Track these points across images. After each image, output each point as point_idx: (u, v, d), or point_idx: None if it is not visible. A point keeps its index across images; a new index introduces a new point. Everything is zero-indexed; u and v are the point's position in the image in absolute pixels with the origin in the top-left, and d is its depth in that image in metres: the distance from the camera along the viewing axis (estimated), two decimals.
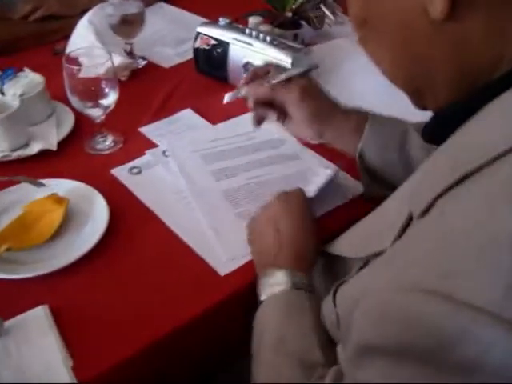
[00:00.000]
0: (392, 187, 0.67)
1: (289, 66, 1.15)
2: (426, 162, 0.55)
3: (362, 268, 0.60)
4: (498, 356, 0.36)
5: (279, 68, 0.96)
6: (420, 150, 0.83)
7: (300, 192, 0.84)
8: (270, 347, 0.67)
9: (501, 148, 0.42)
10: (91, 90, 1.01)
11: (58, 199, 0.89)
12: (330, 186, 0.94)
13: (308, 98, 0.90)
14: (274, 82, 0.91)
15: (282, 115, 0.94)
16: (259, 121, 0.96)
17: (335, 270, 0.76)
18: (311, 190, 0.90)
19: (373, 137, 0.87)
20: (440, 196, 0.45)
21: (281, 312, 0.70)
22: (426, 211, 0.47)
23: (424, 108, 0.58)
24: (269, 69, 0.94)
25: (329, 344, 0.65)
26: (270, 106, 0.93)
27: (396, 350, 0.41)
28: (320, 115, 0.90)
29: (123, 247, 0.86)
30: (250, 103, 0.93)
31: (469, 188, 0.43)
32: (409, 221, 0.52)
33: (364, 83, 1.27)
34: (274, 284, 0.72)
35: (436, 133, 0.55)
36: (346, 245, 0.70)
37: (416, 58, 0.52)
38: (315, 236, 0.80)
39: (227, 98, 0.94)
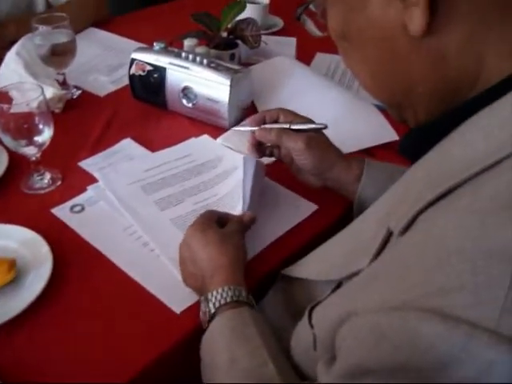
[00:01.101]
0: None
1: (228, 88, 1.13)
2: (401, 180, 0.56)
3: (336, 288, 0.59)
4: (499, 376, 0.36)
5: (291, 114, 0.96)
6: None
7: (205, 218, 0.83)
8: (223, 369, 0.66)
9: (483, 163, 0.42)
10: (24, 127, 0.96)
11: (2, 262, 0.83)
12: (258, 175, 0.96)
13: (313, 149, 0.90)
14: (294, 127, 0.92)
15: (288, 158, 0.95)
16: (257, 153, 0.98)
17: (299, 293, 0.74)
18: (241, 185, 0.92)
19: (370, 183, 0.89)
20: (421, 212, 0.45)
21: (227, 333, 0.69)
22: (407, 228, 0.47)
23: (404, 121, 0.58)
24: (278, 114, 0.95)
25: (279, 354, 0.66)
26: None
27: (391, 371, 0.40)
28: (323, 166, 0.91)
29: (71, 294, 0.81)
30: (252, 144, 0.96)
31: (453, 203, 0.43)
32: (387, 238, 0.51)
33: (303, 101, 1.27)
34: (210, 308, 0.72)
35: (413, 148, 0.56)
36: (314, 268, 0.69)
37: (395, 74, 0.53)
38: (233, 244, 0.79)
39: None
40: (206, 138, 1.15)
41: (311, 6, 0.59)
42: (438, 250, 0.41)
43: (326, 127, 0.92)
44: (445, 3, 0.45)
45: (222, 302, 0.71)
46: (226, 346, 0.67)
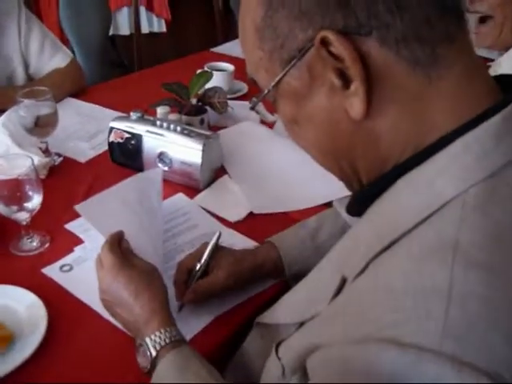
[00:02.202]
0: None
1: (200, 153, 1.25)
2: (351, 233, 0.66)
3: (299, 327, 0.68)
4: None
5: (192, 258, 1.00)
6: (332, 238, 0.97)
7: (111, 265, 0.88)
8: None
9: (413, 220, 0.52)
10: (16, 195, 1.05)
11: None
12: None
13: (234, 279, 0.98)
14: (202, 262, 0.97)
15: None
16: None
17: (270, 335, 0.83)
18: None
19: (288, 259, 1.01)
20: (371, 261, 0.55)
21: (175, 373, 0.76)
22: (359, 274, 0.56)
23: (351, 188, 0.68)
24: (186, 266, 0.99)
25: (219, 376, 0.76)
26: None
27: None
28: (253, 273, 1.01)
29: (65, 346, 0.89)
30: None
31: (395, 251, 0.53)
32: (342, 284, 0.60)
33: (268, 161, 1.39)
34: (152, 351, 0.79)
35: (357, 206, 0.66)
36: (282, 313, 0.77)
37: (341, 151, 0.62)
38: (158, 285, 0.87)
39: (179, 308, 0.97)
40: (180, 196, 1.26)
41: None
42: (386, 290, 0.50)
43: (220, 234, 0.99)
44: (379, 92, 0.55)
45: (163, 343, 0.79)
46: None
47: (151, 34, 3.87)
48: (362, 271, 0.56)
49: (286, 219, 1.19)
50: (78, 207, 1.02)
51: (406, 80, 0.55)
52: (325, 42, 0.53)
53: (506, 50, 1.30)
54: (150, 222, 1.04)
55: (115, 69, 3.40)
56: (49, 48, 1.72)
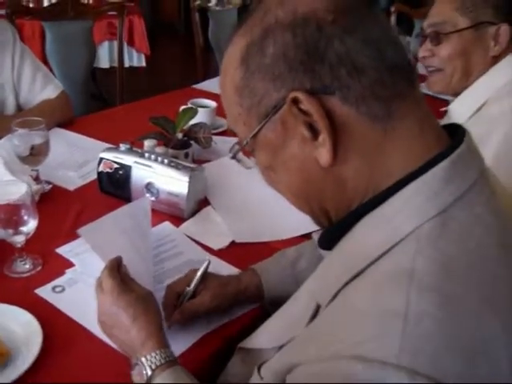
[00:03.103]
0: None
1: (186, 184, 1.32)
2: (323, 265, 0.74)
3: (278, 350, 0.75)
4: None
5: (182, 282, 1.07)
6: (310, 267, 1.03)
7: (108, 291, 0.93)
8: None
9: (376, 253, 0.61)
10: (13, 219, 1.11)
11: None
12: None
13: (218, 302, 1.06)
14: (192, 287, 1.04)
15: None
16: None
17: (251, 359, 0.90)
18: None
19: (269, 285, 1.09)
20: (340, 290, 0.63)
21: None
22: (330, 301, 0.64)
23: (321, 225, 0.76)
24: (176, 290, 1.06)
25: None
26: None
27: None
28: (236, 297, 1.08)
29: (58, 363, 0.95)
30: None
31: (361, 280, 0.61)
32: (316, 311, 0.68)
33: (249, 194, 1.47)
34: (147, 371, 0.85)
35: (328, 241, 0.73)
36: (264, 339, 0.85)
37: (311, 194, 0.70)
38: (154, 309, 0.93)
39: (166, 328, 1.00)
40: (167, 224, 1.33)
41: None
42: (352, 314, 0.58)
43: (209, 262, 1.06)
44: (343, 143, 0.63)
45: (158, 363, 0.85)
46: None
47: (130, 68, 3.96)
48: (333, 299, 0.64)
49: (266, 248, 1.26)
50: (81, 231, 1.08)
51: (365, 132, 0.64)
52: (295, 100, 0.62)
53: (455, 95, 1.42)
54: (143, 248, 1.11)
55: (94, 101, 3.48)
56: (40, 80, 1.79)
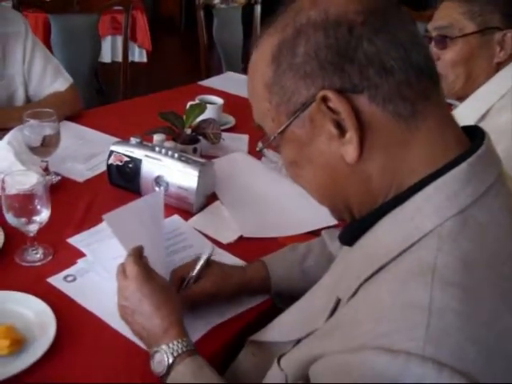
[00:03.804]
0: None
1: (196, 178, 1.34)
2: (342, 261, 0.77)
3: (296, 344, 0.77)
4: None
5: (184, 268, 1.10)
6: (318, 265, 1.09)
7: (134, 277, 0.96)
8: None
9: (398, 249, 0.63)
10: (27, 208, 1.12)
11: (13, 335, 0.94)
12: None
13: (218, 289, 1.08)
14: (194, 273, 1.06)
15: None
16: None
17: (263, 352, 0.92)
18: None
19: (276, 279, 1.11)
20: (362, 284, 0.65)
21: (190, 377, 0.86)
22: (352, 296, 0.66)
23: (342, 220, 0.78)
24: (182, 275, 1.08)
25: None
26: None
27: None
28: (240, 287, 1.10)
29: (72, 350, 0.96)
30: None
31: (383, 275, 0.63)
32: (337, 304, 0.70)
33: (255, 189, 1.49)
34: (160, 363, 0.88)
35: (349, 237, 0.76)
36: (277, 333, 0.87)
37: (335, 189, 0.72)
38: (176, 300, 0.96)
39: None
40: (176, 218, 1.35)
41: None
42: (376, 307, 0.60)
43: (213, 249, 1.09)
44: (369, 140, 0.66)
45: (180, 351, 0.88)
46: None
47: (131, 63, 3.97)
48: (355, 293, 0.66)
49: (274, 243, 1.28)
50: (105, 217, 1.09)
51: (391, 130, 0.66)
52: (324, 99, 0.65)
53: (459, 99, 1.42)
54: (157, 240, 1.12)
55: (97, 95, 3.49)
56: (51, 73, 1.80)
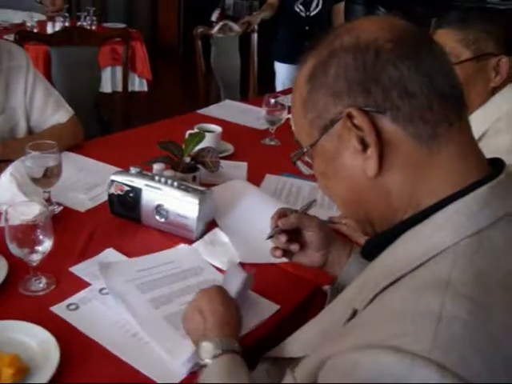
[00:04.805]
0: None
1: (196, 206, 1.37)
2: (363, 273, 0.80)
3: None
4: None
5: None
6: None
7: (215, 286, 1.06)
8: None
9: (418, 261, 0.67)
10: (29, 238, 1.14)
11: (17, 364, 0.95)
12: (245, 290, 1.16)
13: (322, 229, 1.16)
14: (300, 211, 1.17)
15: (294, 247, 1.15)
16: (282, 254, 1.17)
17: (279, 368, 0.93)
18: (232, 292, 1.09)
19: (355, 261, 1.13)
20: (377, 294, 0.68)
21: (222, 374, 0.89)
22: (367, 305, 0.69)
23: (366, 233, 0.83)
24: (286, 210, 1.18)
25: None
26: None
27: None
28: (328, 242, 1.15)
29: (75, 378, 0.98)
30: (282, 238, 1.14)
31: (399, 286, 0.67)
32: (353, 315, 0.73)
33: (255, 217, 1.51)
34: (207, 352, 0.92)
35: (370, 251, 0.80)
36: (295, 348, 0.89)
37: (358, 202, 0.77)
38: (233, 307, 1.02)
39: (268, 236, 1.16)
40: (184, 246, 1.38)
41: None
42: (389, 312, 0.64)
43: (315, 201, 1.20)
44: (389, 157, 0.71)
45: (229, 348, 0.92)
46: (227, 378, 0.89)
47: (132, 93, 4.02)
48: (370, 302, 0.70)
49: (273, 268, 1.31)
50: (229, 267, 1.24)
51: (410, 150, 0.71)
52: (350, 116, 0.71)
53: None
54: None
55: (98, 125, 3.53)
56: (52, 105, 1.84)
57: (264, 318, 1.16)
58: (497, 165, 0.74)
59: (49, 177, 1.45)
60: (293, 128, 0.83)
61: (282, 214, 1.16)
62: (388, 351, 0.58)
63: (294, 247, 1.14)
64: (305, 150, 0.80)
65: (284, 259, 1.34)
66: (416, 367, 0.56)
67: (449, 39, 1.39)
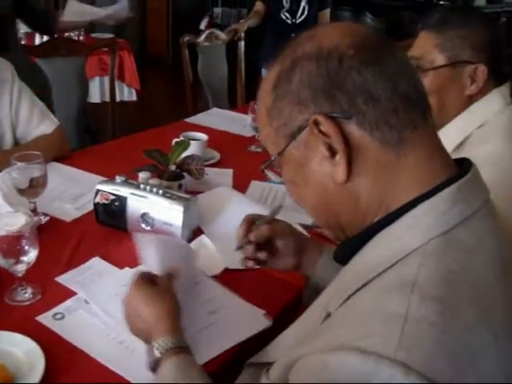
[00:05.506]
0: None
1: (181, 213, 1.38)
2: (337, 278, 0.81)
3: None
4: None
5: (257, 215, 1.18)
6: None
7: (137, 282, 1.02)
8: None
9: (386, 265, 0.68)
10: (15, 249, 1.15)
11: (2, 373, 0.96)
12: None
13: (292, 233, 1.16)
14: (269, 217, 1.14)
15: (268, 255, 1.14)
16: (254, 263, 1.15)
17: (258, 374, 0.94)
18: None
19: (325, 262, 1.13)
20: (349, 297, 0.69)
21: (176, 374, 0.88)
22: (338, 308, 0.70)
23: (338, 239, 0.83)
24: (254, 218, 1.16)
25: None
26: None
27: None
28: (300, 244, 1.14)
29: None
30: (250, 249, 1.12)
31: (368, 288, 0.67)
32: (326, 319, 0.73)
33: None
34: (157, 353, 0.91)
35: (342, 256, 0.81)
36: (274, 354, 0.90)
37: (328, 208, 0.78)
38: (169, 299, 0.99)
39: (236, 247, 1.14)
40: None
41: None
42: (357, 313, 0.65)
43: (281, 206, 1.17)
44: (357, 162, 0.71)
45: (169, 346, 0.90)
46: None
47: (121, 102, 4.03)
48: (341, 305, 0.70)
49: (259, 273, 1.31)
50: (136, 235, 1.13)
51: (378, 155, 0.72)
52: (316, 122, 0.71)
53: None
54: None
55: (86, 135, 3.54)
56: (37, 116, 1.85)
57: (255, 331, 1.15)
58: (463, 164, 0.75)
59: (34, 187, 1.46)
60: (259, 137, 0.84)
61: (249, 221, 1.15)
62: (354, 352, 0.59)
63: (262, 256, 1.12)
64: (272, 158, 0.80)
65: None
66: (381, 367, 0.57)
67: (426, 43, 1.37)
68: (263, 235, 1.12)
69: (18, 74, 1.83)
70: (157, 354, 0.91)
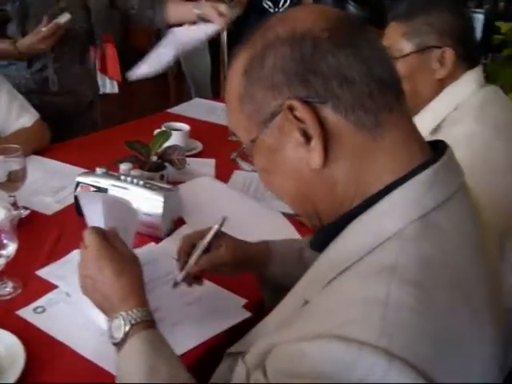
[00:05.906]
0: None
1: (161, 203, 1.37)
2: (313, 266, 0.79)
3: None
4: (379, 372, 0.56)
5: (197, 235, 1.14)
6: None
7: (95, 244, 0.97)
8: (143, 376, 0.82)
9: (362, 252, 0.67)
10: None
11: None
12: None
13: (235, 245, 1.13)
14: (205, 242, 1.10)
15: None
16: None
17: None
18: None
19: (276, 258, 1.13)
20: (327, 284, 0.68)
21: (145, 348, 0.85)
22: (317, 295, 0.69)
23: (314, 226, 0.81)
24: (191, 240, 1.13)
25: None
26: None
27: (311, 378, 0.59)
28: (245, 253, 1.13)
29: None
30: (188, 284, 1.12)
31: (347, 275, 0.66)
32: (304, 306, 0.72)
33: (222, 213, 1.52)
34: (126, 326, 0.88)
35: (319, 243, 0.79)
36: (254, 342, 0.86)
37: (304, 195, 0.76)
38: (134, 268, 0.97)
39: (180, 278, 1.10)
40: (152, 245, 1.38)
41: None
42: (337, 301, 0.64)
43: (225, 218, 1.13)
44: (333, 148, 0.70)
45: (138, 320, 0.88)
46: (146, 357, 0.84)
47: (103, 95, 4.00)
48: (319, 292, 0.69)
49: None
50: (79, 193, 1.12)
51: (354, 139, 0.70)
52: (291, 108, 0.69)
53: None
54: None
55: None
56: (16, 109, 1.83)
57: (234, 323, 1.14)
58: (438, 147, 0.74)
59: (13, 181, 1.44)
60: (228, 124, 0.81)
61: (187, 246, 1.12)
62: (335, 340, 0.59)
63: (199, 284, 1.14)
64: (244, 146, 0.77)
65: None
66: (363, 355, 0.57)
67: (395, 33, 1.39)
68: (202, 268, 1.10)
69: None
70: (127, 324, 0.87)
